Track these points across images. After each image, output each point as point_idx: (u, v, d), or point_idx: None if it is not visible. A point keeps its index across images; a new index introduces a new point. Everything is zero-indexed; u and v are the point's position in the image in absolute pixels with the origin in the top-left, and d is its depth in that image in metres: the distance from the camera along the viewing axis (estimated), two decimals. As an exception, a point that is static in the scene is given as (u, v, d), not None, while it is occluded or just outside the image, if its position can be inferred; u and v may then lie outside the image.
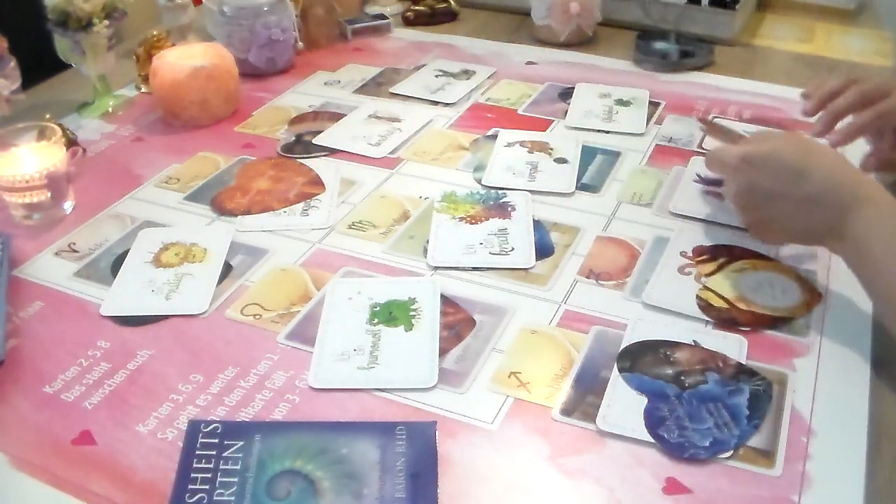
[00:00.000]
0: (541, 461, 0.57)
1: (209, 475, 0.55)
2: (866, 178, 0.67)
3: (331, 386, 0.63)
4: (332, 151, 0.96)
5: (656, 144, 0.96)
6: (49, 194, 0.83)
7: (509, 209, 0.83)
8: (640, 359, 0.64)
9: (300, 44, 1.22)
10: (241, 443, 0.58)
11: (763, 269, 0.73)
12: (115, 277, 0.75)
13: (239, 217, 0.84)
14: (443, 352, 0.66)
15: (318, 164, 0.93)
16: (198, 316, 0.70)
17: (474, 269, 0.75)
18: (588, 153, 0.94)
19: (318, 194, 0.87)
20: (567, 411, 0.60)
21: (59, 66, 1.08)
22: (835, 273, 0.73)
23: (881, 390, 0.62)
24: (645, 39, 1.18)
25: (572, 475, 0.55)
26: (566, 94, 1.08)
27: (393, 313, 0.69)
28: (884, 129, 0.80)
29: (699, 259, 0.75)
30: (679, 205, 0.83)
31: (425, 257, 0.77)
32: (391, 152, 0.95)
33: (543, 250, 0.77)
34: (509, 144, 0.95)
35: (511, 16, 1.36)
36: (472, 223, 0.81)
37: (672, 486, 0.54)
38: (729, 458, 0.56)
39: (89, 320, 0.71)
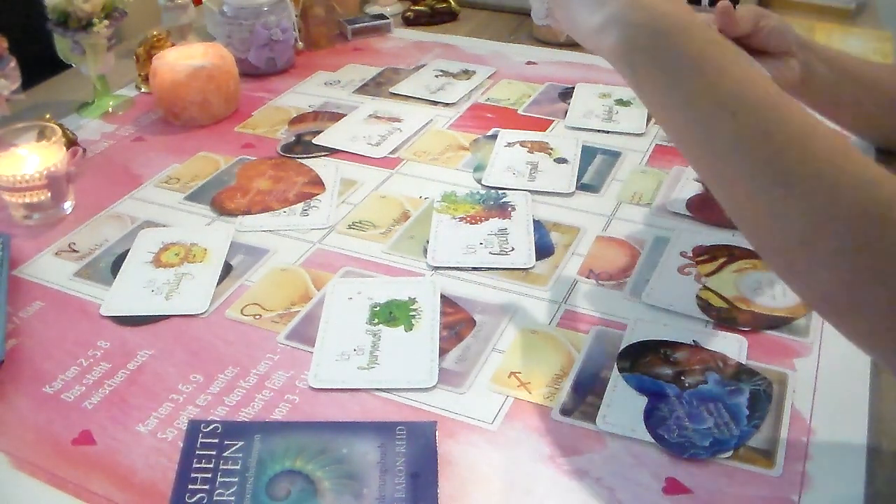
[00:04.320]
0: (541, 461, 0.56)
1: (209, 475, 0.55)
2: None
3: (331, 386, 0.63)
4: (332, 151, 0.96)
5: (656, 144, 0.96)
6: (49, 194, 0.83)
7: (509, 209, 0.83)
8: (640, 359, 0.64)
9: (300, 44, 1.22)
10: (241, 443, 0.58)
11: (763, 269, 0.73)
12: (115, 277, 0.75)
13: (239, 217, 0.84)
14: (443, 352, 0.66)
15: (318, 164, 0.93)
16: (198, 316, 0.70)
17: (474, 269, 0.75)
18: (588, 153, 0.94)
19: (317, 194, 0.87)
20: (567, 411, 0.60)
21: (59, 66, 1.08)
22: (835, 273, 0.73)
23: (881, 390, 0.62)
24: (645, 39, 1.17)
25: (572, 475, 0.55)
26: (566, 94, 1.08)
27: (393, 313, 0.69)
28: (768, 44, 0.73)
29: (699, 259, 0.75)
30: (679, 204, 0.83)
31: (425, 257, 0.77)
32: (391, 152, 0.95)
33: (543, 250, 0.77)
34: (509, 144, 0.95)
35: (511, 16, 1.36)
36: (472, 223, 0.81)
37: (672, 486, 0.54)
38: (729, 458, 0.56)
39: (89, 320, 0.71)
